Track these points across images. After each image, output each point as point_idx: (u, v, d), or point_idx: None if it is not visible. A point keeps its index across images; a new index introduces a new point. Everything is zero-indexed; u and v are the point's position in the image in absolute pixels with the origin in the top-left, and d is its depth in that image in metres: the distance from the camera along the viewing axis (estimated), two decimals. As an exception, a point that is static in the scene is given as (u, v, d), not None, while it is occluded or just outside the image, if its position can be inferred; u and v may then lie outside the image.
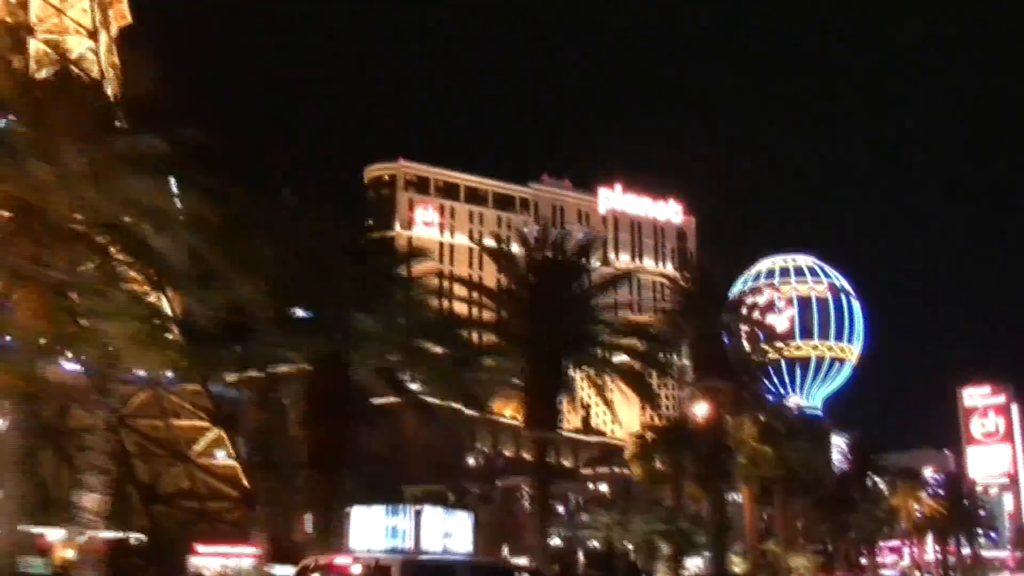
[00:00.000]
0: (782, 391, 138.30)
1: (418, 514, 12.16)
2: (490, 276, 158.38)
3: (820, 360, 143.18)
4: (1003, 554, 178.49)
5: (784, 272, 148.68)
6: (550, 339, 29.39)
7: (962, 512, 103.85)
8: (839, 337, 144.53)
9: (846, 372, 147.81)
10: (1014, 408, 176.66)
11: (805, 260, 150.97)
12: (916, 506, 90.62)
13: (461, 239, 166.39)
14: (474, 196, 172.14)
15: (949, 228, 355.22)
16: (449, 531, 12.31)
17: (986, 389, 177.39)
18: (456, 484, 65.77)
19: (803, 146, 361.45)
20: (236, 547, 47.77)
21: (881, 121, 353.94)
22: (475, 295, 33.17)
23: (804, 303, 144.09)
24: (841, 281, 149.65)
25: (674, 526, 48.54)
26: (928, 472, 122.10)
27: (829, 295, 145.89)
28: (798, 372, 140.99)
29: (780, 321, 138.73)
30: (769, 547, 51.76)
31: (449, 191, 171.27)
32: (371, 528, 11.97)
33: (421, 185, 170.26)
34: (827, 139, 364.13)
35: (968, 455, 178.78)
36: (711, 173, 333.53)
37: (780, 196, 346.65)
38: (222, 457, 63.20)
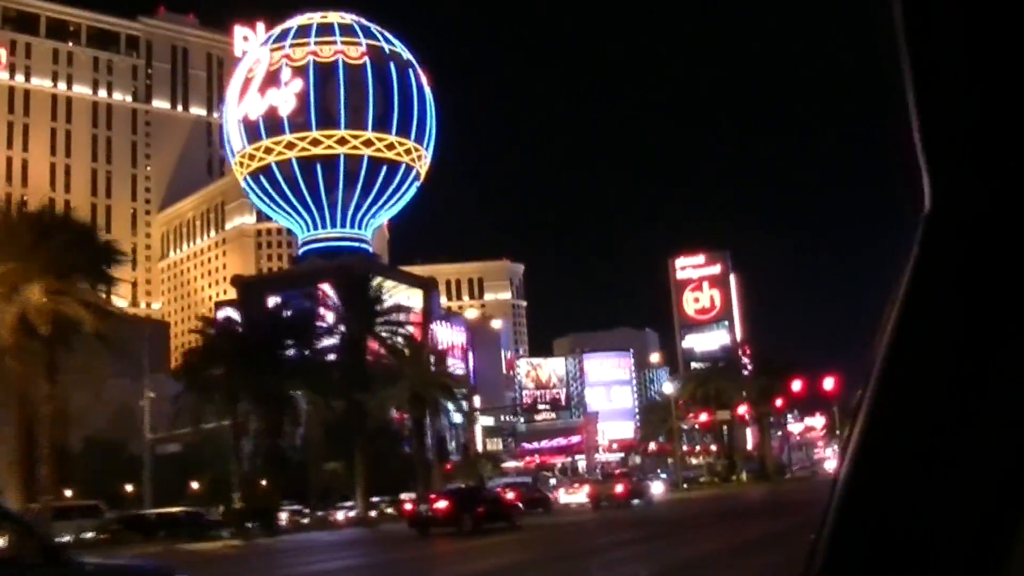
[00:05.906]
0: (300, 215, 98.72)
1: None
2: (81, 130, 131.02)
3: (355, 162, 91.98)
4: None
5: (304, 32, 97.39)
6: None
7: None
8: (383, 126, 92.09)
9: (411, 188, 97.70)
10: (732, 280, 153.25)
11: (341, 17, 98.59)
12: None
13: (42, 83, 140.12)
14: (60, 30, 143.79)
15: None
16: None
17: (700, 258, 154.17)
18: None
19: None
20: None
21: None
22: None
23: (324, 72, 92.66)
24: (395, 45, 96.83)
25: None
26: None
27: (368, 61, 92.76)
28: (321, 180, 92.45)
29: (283, 99, 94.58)
30: None
31: (24, 22, 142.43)
32: None
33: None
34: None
35: (681, 336, 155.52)
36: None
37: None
38: None
